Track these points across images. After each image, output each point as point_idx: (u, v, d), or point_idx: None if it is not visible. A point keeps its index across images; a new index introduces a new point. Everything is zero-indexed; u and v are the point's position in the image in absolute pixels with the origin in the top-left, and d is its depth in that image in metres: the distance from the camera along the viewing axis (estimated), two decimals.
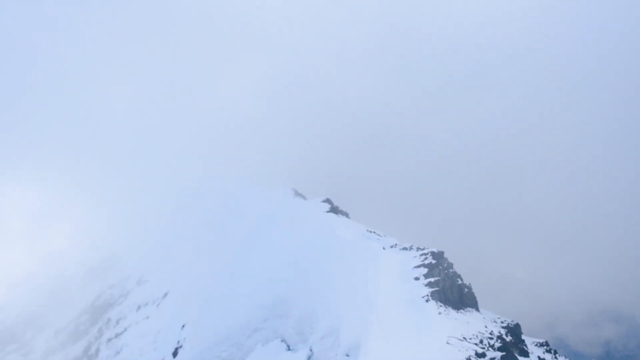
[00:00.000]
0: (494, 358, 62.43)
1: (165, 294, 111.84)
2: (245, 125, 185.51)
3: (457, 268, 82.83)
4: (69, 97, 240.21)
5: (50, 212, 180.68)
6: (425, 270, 78.73)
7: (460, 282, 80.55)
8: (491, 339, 67.49)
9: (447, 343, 62.91)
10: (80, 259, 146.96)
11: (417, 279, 77.48)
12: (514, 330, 74.35)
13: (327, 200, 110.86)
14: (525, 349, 72.14)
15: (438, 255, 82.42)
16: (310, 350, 69.98)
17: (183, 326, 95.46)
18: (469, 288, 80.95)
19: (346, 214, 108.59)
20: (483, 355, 62.02)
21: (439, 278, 77.31)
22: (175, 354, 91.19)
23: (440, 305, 72.55)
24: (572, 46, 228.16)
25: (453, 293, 77.40)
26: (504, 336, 69.99)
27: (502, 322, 76.46)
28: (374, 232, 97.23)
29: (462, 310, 75.60)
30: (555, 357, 76.65)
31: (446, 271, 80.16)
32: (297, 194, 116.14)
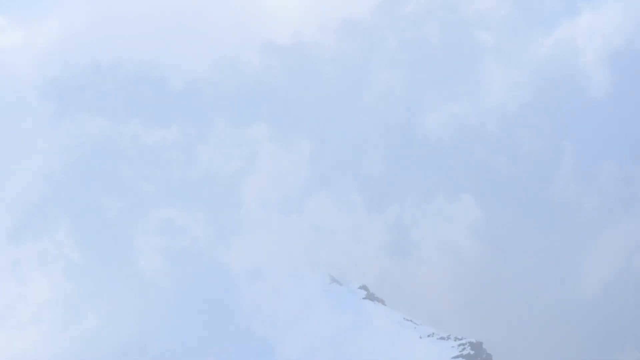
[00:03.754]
0: None
1: None
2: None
3: (497, 359, 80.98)
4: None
5: (82, 294, 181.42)
6: None
7: None
8: None
9: None
10: (112, 342, 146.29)
11: None
12: None
13: (363, 287, 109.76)
14: None
15: (476, 346, 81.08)
16: None
17: None
18: None
19: (382, 301, 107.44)
20: None
21: None
22: None
23: None
24: None
25: None
26: None
27: None
28: (411, 321, 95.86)
29: None
30: None
31: None
32: (333, 279, 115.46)
